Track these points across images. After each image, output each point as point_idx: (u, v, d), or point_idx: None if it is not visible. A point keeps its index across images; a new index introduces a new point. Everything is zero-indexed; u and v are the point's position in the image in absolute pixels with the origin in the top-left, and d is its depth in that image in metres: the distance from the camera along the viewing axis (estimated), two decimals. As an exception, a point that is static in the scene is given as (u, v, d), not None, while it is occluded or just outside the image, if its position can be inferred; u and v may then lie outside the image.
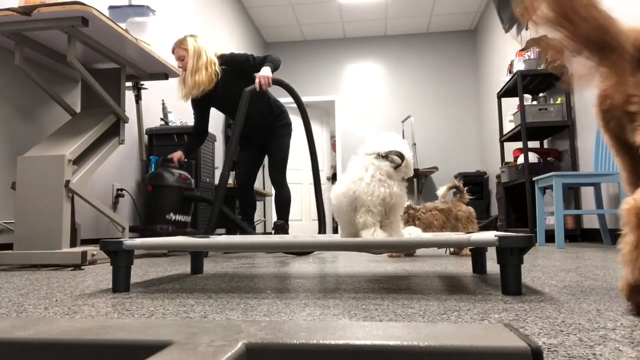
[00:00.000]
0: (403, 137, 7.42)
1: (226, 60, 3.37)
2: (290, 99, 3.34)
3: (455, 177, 7.14)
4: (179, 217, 3.38)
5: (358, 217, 1.51)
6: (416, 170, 6.76)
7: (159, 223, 3.26)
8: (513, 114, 4.82)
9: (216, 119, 6.04)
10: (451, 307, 1.02)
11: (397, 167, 1.53)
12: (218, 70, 3.29)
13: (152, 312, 1.04)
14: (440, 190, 2.61)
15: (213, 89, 3.31)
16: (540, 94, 4.85)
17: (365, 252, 1.43)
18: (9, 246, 2.64)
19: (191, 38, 3.28)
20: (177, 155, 3.48)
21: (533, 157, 4.44)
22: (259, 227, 7.33)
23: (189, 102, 3.50)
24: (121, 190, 3.79)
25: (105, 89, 2.89)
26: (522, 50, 4.68)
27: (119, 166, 3.84)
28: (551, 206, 3.97)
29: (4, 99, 2.78)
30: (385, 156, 1.53)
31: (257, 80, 3.15)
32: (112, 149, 2.89)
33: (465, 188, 2.67)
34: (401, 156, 1.53)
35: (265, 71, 3.22)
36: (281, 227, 3.51)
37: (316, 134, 8.11)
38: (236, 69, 3.37)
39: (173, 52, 3.29)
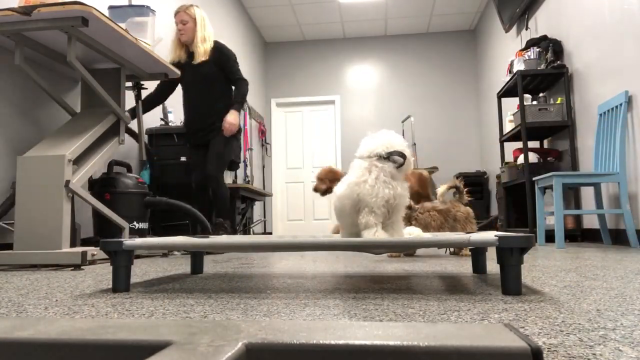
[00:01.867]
0: (403, 137, 7.39)
1: (217, 46, 3.51)
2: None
3: (457, 177, 7.14)
4: (141, 225, 3.23)
5: (360, 218, 1.50)
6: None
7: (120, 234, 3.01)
8: (513, 114, 4.82)
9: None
10: (451, 307, 1.02)
11: (399, 166, 1.53)
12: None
13: (152, 312, 1.04)
14: (440, 189, 2.61)
15: (189, 65, 3.45)
16: (540, 94, 4.85)
17: (366, 252, 1.43)
18: (9, 246, 2.64)
19: (198, 8, 3.48)
20: None
21: (533, 157, 4.44)
22: (258, 227, 7.32)
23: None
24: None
25: (105, 89, 2.89)
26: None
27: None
28: (551, 206, 3.97)
29: (4, 99, 2.78)
30: (387, 157, 1.52)
31: (224, 127, 3.42)
32: (112, 149, 2.89)
33: (465, 189, 2.67)
34: (403, 156, 1.52)
35: (233, 117, 3.42)
36: (220, 225, 3.39)
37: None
38: (217, 60, 3.48)
39: (175, 15, 3.45)
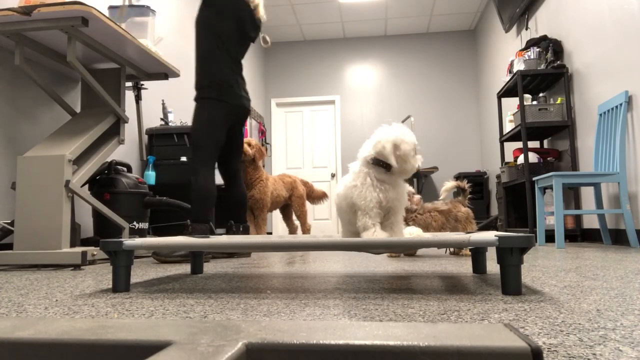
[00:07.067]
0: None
1: None
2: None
3: (456, 177, 7.14)
4: (141, 225, 3.21)
5: (358, 221, 1.53)
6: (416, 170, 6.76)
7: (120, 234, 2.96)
8: (513, 114, 4.82)
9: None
10: (451, 307, 1.02)
11: (388, 170, 1.53)
12: None
13: (152, 312, 1.04)
14: (447, 185, 2.53)
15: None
16: (540, 94, 4.85)
17: (365, 252, 1.43)
18: (9, 246, 2.64)
19: None
20: None
21: (533, 157, 4.44)
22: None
23: (190, 100, 3.41)
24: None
25: (105, 89, 2.88)
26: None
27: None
28: (551, 206, 3.97)
29: (4, 99, 2.78)
30: (374, 161, 1.53)
31: None
32: (112, 149, 2.89)
33: (469, 196, 2.66)
34: (387, 166, 1.52)
35: None
36: (187, 228, 2.71)
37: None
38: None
39: None
